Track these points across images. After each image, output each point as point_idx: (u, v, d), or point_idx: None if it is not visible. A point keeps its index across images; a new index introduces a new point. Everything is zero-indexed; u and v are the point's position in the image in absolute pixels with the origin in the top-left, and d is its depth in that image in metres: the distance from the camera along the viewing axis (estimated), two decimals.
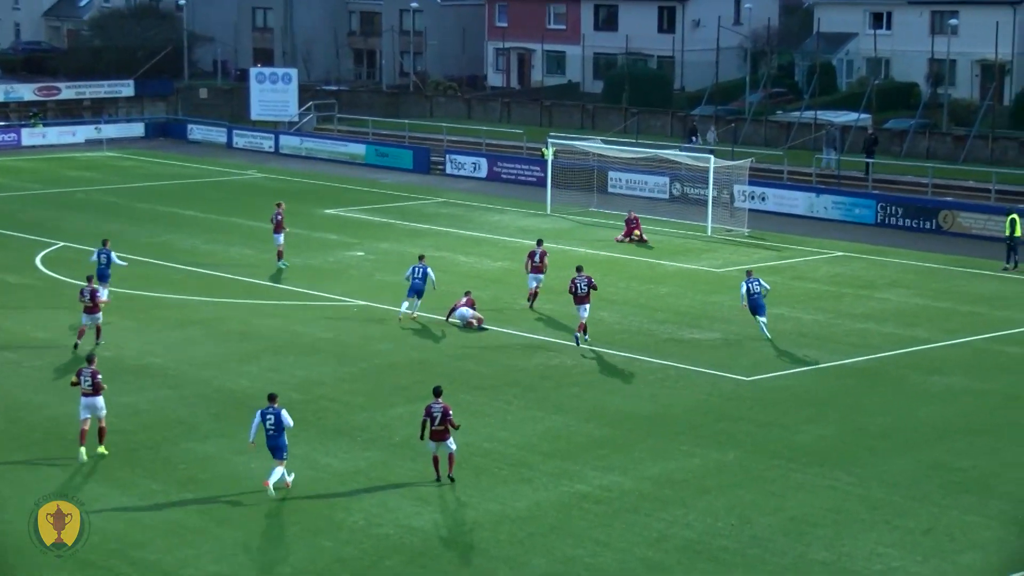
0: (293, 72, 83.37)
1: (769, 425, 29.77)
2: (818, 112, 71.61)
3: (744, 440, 28.79)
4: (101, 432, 27.14)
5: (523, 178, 65.89)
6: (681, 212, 56.12)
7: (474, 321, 37.54)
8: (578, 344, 35.54)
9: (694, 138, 69.42)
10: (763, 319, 36.39)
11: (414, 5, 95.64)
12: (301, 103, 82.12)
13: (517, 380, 32.93)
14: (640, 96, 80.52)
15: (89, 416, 27.10)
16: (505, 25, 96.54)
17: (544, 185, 58.67)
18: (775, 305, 39.85)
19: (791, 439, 28.90)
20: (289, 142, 77.02)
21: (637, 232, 50.73)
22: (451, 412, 25.77)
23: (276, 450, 25.35)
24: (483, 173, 67.60)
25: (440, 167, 69.72)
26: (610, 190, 61.15)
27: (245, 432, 28.45)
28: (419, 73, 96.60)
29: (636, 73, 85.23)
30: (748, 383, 32.95)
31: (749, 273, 36.99)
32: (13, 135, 78.54)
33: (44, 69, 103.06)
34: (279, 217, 45.55)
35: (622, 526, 24.17)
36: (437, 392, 26.03)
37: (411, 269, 38.28)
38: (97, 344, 34.33)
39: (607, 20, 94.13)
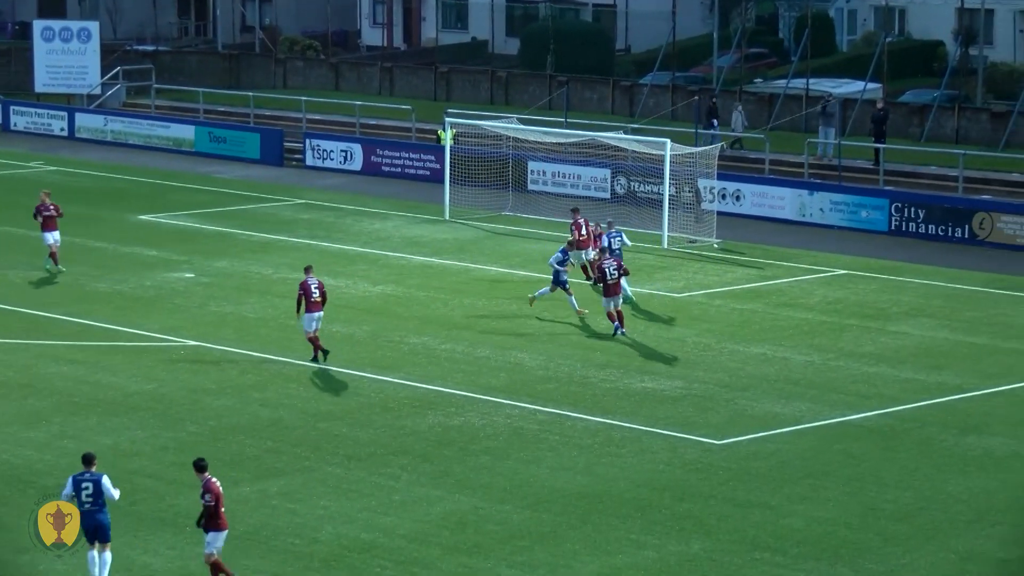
0: (93, 26, 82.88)
1: (748, 505, 30.04)
2: (811, 80, 72.38)
3: (714, 526, 29.04)
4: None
5: (412, 171, 66.01)
6: (628, 217, 56.39)
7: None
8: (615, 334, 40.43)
9: (714, 121, 67.67)
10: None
11: None
12: (105, 70, 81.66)
13: (406, 446, 32.98)
14: (570, 60, 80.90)
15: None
16: None
17: (441, 180, 58.81)
18: (757, 342, 40.20)
19: (778, 523, 29.18)
20: (88, 123, 76.57)
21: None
22: (220, 499, 25.90)
23: (99, 530, 25.21)
24: (357, 164, 67.66)
25: (298, 156, 69.65)
26: (530, 187, 61.42)
27: (29, 523, 28.27)
28: (267, 28, 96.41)
29: (564, 28, 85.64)
30: (720, 448, 33.21)
31: (610, 224, 41.18)
32: None
33: None
34: (50, 208, 45.58)
35: None
36: (200, 467, 26.24)
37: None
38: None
39: None
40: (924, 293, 47.39)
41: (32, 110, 79.15)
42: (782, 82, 74.40)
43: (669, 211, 53.62)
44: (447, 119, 60.09)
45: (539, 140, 60.78)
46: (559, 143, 61.24)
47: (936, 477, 31.78)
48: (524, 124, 61.84)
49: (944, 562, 27.59)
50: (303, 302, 38.18)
